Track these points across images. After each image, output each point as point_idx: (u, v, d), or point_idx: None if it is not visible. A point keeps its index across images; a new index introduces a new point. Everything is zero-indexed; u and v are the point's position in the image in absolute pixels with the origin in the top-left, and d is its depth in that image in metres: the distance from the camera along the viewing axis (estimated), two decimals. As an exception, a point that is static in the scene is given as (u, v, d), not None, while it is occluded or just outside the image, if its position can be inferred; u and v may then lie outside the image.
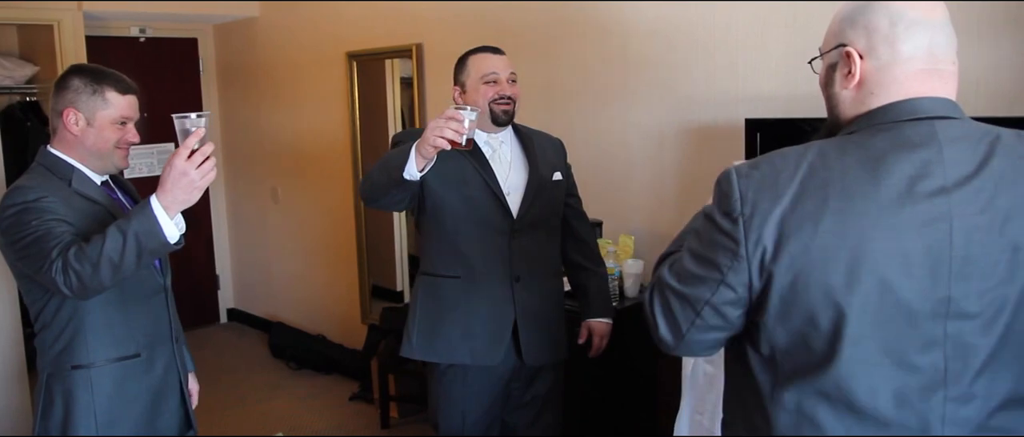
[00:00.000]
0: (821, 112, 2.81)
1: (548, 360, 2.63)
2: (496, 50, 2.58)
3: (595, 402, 3.17)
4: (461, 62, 2.59)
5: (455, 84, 2.59)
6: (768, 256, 1.21)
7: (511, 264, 2.52)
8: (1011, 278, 1.18)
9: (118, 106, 2.13)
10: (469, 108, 2.20)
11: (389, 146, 2.58)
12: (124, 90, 2.15)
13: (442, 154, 2.30)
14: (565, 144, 2.78)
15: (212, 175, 1.88)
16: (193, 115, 1.88)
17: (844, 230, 1.17)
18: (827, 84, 1.34)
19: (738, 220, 1.23)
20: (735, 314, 1.28)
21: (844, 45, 1.29)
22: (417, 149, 2.24)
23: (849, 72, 1.28)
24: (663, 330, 1.35)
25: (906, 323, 1.18)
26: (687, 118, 3.29)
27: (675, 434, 2.40)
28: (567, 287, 2.82)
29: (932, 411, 1.19)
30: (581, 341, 2.72)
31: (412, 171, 2.25)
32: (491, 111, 2.51)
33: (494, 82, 2.51)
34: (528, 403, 2.67)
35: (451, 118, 2.15)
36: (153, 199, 1.88)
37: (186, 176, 1.86)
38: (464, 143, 2.17)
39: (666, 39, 3.32)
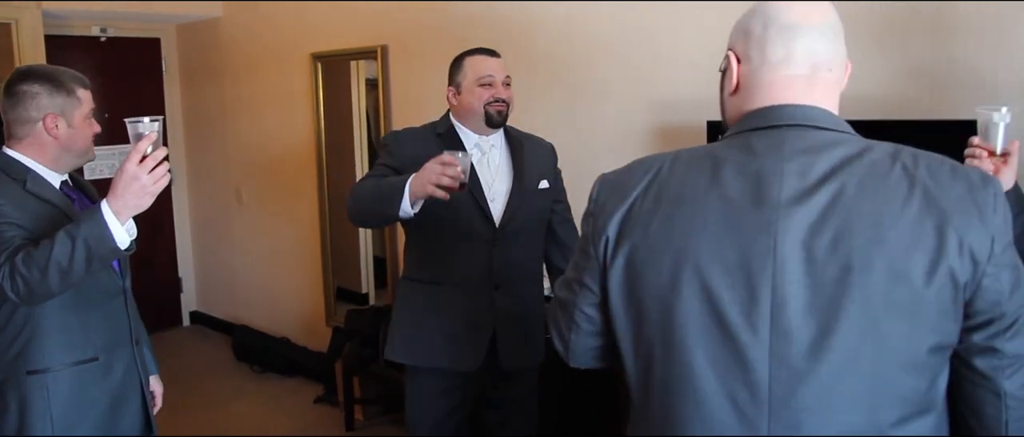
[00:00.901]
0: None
1: (524, 364, 2.64)
2: (492, 52, 2.59)
3: (567, 403, 3.19)
4: (457, 63, 2.59)
5: (450, 85, 2.59)
6: (609, 254, 1.25)
7: (491, 272, 2.53)
8: (842, 296, 1.10)
9: (87, 101, 2.16)
10: (461, 154, 2.22)
11: (376, 149, 2.59)
12: (85, 84, 2.17)
13: (424, 162, 2.33)
14: (530, 146, 2.79)
15: (165, 180, 1.86)
16: (146, 119, 1.86)
17: (670, 233, 1.18)
18: (720, 91, 1.34)
19: (589, 219, 1.30)
20: (599, 318, 1.32)
21: (729, 51, 1.29)
22: (411, 190, 2.24)
23: (731, 78, 1.28)
24: (555, 339, 1.41)
25: (725, 334, 1.15)
26: (651, 120, 3.33)
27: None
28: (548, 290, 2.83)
29: (759, 427, 1.14)
30: None
31: (406, 210, 2.27)
32: (486, 113, 2.52)
33: (489, 84, 2.52)
34: (501, 404, 2.68)
35: (448, 164, 2.17)
36: (104, 204, 1.85)
37: (137, 181, 1.83)
38: (458, 187, 2.19)
39: (630, 42, 3.35)
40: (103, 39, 5.60)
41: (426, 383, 2.60)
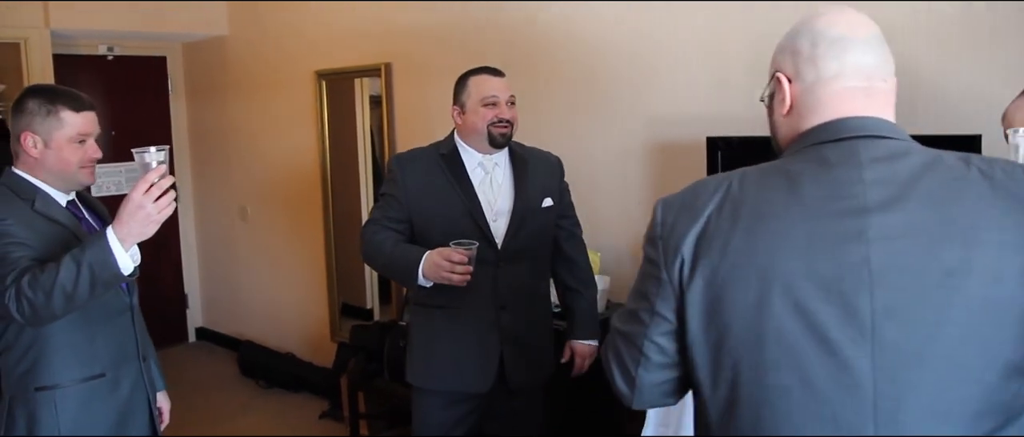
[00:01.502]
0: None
1: (530, 382, 2.66)
2: (496, 72, 2.59)
3: (571, 417, 3.20)
4: (461, 82, 2.60)
5: (454, 104, 2.60)
6: (685, 277, 1.20)
7: (496, 294, 2.55)
8: (945, 302, 1.08)
9: (74, 125, 2.11)
10: (466, 243, 2.33)
11: (380, 165, 2.64)
12: (78, 107, 2.12)
13: (427, 184, 2.52)
14: (531, 162, 2.81)
15: (170, 209, 1.88)
16: (153, 149, 1.89)
17: (753, 250, 1.14)
18: (769, 114, 1.32)
19: (657, 244, 1.24)
20: (673, 348, 1.25)
21: (776, 72, 1.28)
22: (424, 272, 2.38)
23: (783, 98, 1.26)
24: (617, 378, 1.33)
25: (825, 350, 1.11)
26: (651, 136, 3.35)
27: (639, 446, 2.43)
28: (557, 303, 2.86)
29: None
30: (564, 360, 2.74)
31: (422, 283, 2.42)
32: (489, 133, 2.53)
33: (493, 104, 2.52)
34: (507, 418, 2.69)
35: (458, 264, 2.30)
36: (110, 230, 1.88)
37: (143, 209, 1.85)
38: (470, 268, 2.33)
39: (630, 59, 3.38)
40: (110, 58, 5.65)
41: (432, 399, 2.62)
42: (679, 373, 1.28)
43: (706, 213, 1.20)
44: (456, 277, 2.30)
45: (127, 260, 1.90)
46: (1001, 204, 1.10)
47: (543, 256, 2.69)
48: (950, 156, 1.17)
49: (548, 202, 2.65)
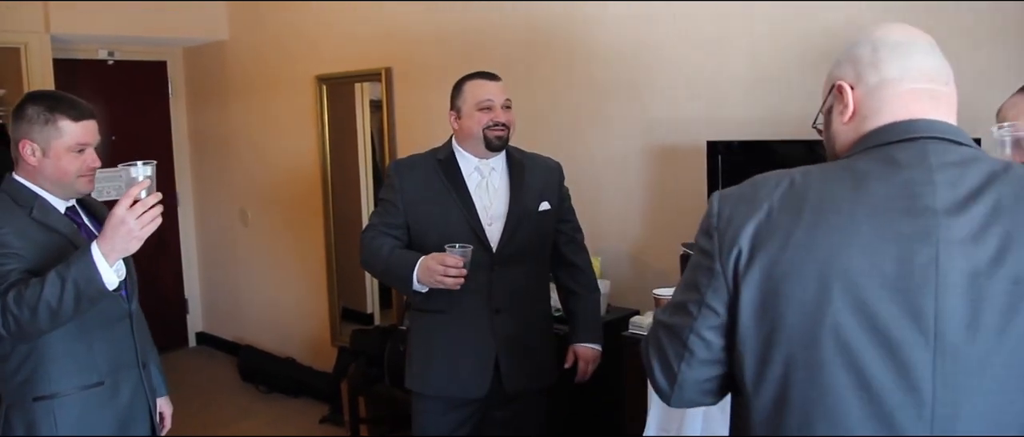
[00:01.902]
0: (779, 135, 2.89)
1: (528, 387, 2.65)
2: (492, 76, 2.60)
3: (573, 424, 3.19)
4: (457, 87, 2.61)
5: (451, 109, 2.61)
6: (742, 268, 1.17)
7: (491, 297, 2.54)
8: (1011, 310, 1.07)
9: (72, 134, 2.08)
10: (459, 247, 2.34)
11: (381, 170, 2.65)
12: (78, 117, 2.10)
13: (425, 190, 2.54)
14: (532, 167, 2.81)
15: (153, 226, 1.88)
16: (139, 163, 1.88)
17: (814, 244, 1.12)
18: (827, 127, 1.30)
19: (713, 235, 1.21)
20: (720, 343, 1.23)
21: (836, 83, 1.26)
22: (419, 277, 2.40)
23: (845, 106, 1.24)
24: (657, 372, 1.29)
25: (886, 351, 1.09)
26: (652, 141, 3.35)
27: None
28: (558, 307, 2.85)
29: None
30: (567, 365, 2.73)
31: (418, 289, 2.44)
32: (484, 137, 2.54)
33: (488, 108, 2.54)
34: (505, 422, 2.68)
35: (452, 267, 2.31)
36: (94, 245, 1.87)
37: (125, 225, 1.85)
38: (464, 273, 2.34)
39: (631, 63, 3.38)
40: (110, 62, 5.66)
41: (431, 404, 2.62)
42: (723, 370, 1.25)
43: (766, 206, 1.17)
44: (449, 281, 2.31)
45: (111, 275, 1.89)
46: None
47: (540, 260, 2.69)
48: (1019, 167, 1.16)
49: (545, 206, 2.64)
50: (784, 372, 1.15)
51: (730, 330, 1.21)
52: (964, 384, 1.08)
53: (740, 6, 3.01)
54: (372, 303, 5.03)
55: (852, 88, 1.24)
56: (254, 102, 5.43)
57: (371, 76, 4.55)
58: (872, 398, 1.10)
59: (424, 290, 2.43)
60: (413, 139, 4.20)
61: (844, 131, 1.25)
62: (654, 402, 2.44)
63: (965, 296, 1.08)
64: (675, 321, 1.26)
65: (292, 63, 5.05)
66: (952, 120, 1.22)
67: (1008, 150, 1.64)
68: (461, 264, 2.31)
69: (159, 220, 1.89)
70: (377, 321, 4.95)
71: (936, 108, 1.20)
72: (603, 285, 3.29)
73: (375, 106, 4.70)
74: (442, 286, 2.34)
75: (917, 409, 1.09)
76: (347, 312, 5.08)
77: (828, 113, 1.29)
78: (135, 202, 1.86)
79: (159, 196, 1.89)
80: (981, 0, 2.52)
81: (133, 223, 1.85)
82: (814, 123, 1.34)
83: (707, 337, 1.23)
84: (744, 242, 1.17)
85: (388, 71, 4.43)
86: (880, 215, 1.11)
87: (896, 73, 1.20)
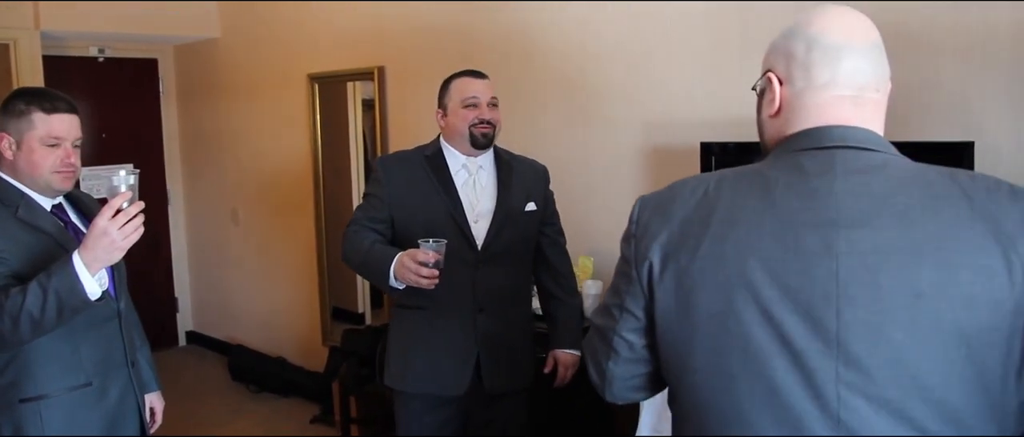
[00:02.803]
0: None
1: (509, 388, 2.64)
2: (478, 74, 2.61)
3: (557, 425, 3.19)
4: (444, 86, 2.62)
5: (438, 107, 2.62)
6: (655, 278, 1.20)
7: (474, 295, 2.54)
8: (912, 323, 1.06)
9: (44, 125, 2.05)
10: (432, 241, 2.30)
11: (372, 169, 2.65)
12: (51, 109, 2.06)
13: (411, 185, 2.52)
14: (525, 167, 2.81)
15: (136, 236, 1.86)
16: (122, 172, 1.86)
17: (722, 255, 1.13)
18: (757, 111, 1.30)
19: (631, 242, 1.25)
20: (641, 344, 1.27)
21: (768, 71, 1.25)
22: (395, 274, 2.37)
23: (772, 98, 1.23)
24: (591, 370, 1.35)
25: (789, 362, 1.10)
26: (645, 141, 3.35)
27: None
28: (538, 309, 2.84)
29: None
30: (547, 370, 2.72)
31: (394, 287, 2.41)
32: (470, 134, 2.54)
33: (474, 106, 2.54)
34: (490, 425, 2.68)
35: (422, 265, 2.28)
36: (76, 255, 1.85)
37: (107, 236, 1.83)
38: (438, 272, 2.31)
39: (624, 64, 3.38)
40: (101, 60, 5.63)
41: (414, 404, 2.61)
42: (649, 369, 1.30)
43: (679, 215, 1.20)
44: (423, 282, 2.29)
45: (94, 285, 1.88)
46: (979, 226, 1.07)
47: (524, 260, 2.69)
48: (934, 171, 1.14)
49: (531, 206, 2.65)
50: (702, 379, 1.18)
51: (651, 331, 1.25)
52: (873, 395, 1.07)
53: (734, 7, 3.02)
54: (363, 303, 5.01)
55: (781, 83, 1.23)
56: (245, 101, 5.41)
57: (363, 75, 4.54)
58: (781, 404, 1.11)
59: (401, 287, 2.40)
60: (405, 138, 4.19)
61: (770, 124, 1.26)
62: (646, 404, 2.43)
63: (865, 309, 1.07)
64: (602, 323, 1.32)
65: (284, 61, 5.03)
66: (876, 125, 1.20)
67: None
68: (432, 261, 2.28)
69: (141, 230, 1.87)
70: (368, 321, 4.93)
71: (858, 114, 1.18)
72: (596, 286, 3.29)
73: (367, 105, 4.68)
74: (416, 285, 2.32)
75: (824, 417, 1.09)
76: (338, 312, 5.07)
77: (759, 96, 1.29)
78: (118, 212, 1.84)
79: (141, 205, 1.86)
80: (973, 0, 2.53)
81: (115, 234, 1.83)
82: (754, 87, 1.31)
83: (629, 339, 1.27)
84: (655, 255, 1.20)
85: (381, 70, 4.42)
86: (785, 227, 1.12)
87: (825, 78, 1.18)
